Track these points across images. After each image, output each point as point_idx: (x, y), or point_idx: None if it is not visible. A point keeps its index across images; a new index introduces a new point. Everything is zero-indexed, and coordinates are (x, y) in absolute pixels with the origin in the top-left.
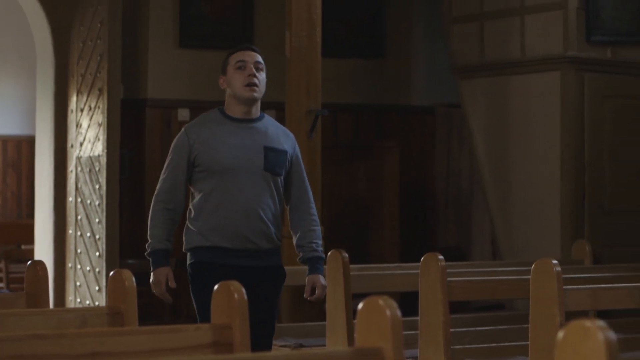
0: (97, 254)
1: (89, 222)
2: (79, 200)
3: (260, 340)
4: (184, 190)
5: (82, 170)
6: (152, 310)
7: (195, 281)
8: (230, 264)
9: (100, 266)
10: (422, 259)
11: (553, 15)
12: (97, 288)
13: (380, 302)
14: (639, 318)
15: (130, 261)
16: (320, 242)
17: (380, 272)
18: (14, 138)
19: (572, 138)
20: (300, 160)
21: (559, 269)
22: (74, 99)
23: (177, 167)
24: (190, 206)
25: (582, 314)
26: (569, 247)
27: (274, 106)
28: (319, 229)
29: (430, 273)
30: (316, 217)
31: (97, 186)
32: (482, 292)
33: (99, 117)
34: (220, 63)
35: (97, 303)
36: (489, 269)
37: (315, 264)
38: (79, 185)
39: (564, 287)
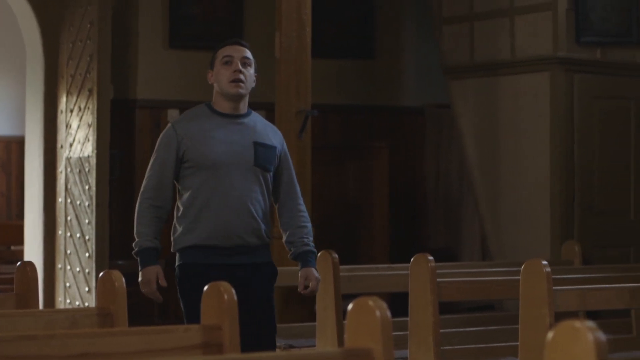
0: (87, 254)
1: (79, 223)
2: (69, 201)
3: (262, 339)
4: (171, 187)
5: (71, 171)
6: (141, 311)
7: (184, 283)
8: (220, 263)
9: (90, 267)
10: (412, 259)
11: (543, 16)
12: (86, 289)
13: (370, 302)
14: (628, 318)
15: (120, 262)
16: (311, 238)
17: (370, 273)
18: (4, 139)
19: (561, 139)
20: (289, 157)
21: (548, 269)
22: (63, 99)
23: (165, 163)
24: (178, 204)
25: (572, 315)
26: (558, 247)
27: (264, 106)
28: (310, 225)
29: (420, 274)
30: (306, 214)
31: (86, 187)
32: (472, 293)
33: (89, 117)
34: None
35: (86, 304)
36: (478, 270)
37: (307, 258)
38: (69, 186)
39: (554, 287)
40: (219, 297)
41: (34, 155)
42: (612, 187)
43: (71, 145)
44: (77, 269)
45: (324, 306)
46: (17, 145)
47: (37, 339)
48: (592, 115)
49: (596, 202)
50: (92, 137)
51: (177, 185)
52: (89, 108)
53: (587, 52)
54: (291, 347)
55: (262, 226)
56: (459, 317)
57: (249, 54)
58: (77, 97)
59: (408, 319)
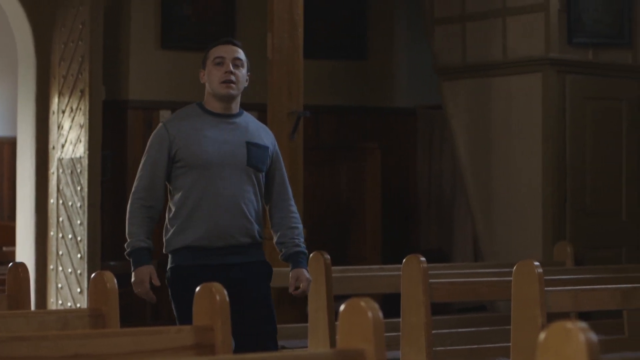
0: (79, 255)
1: (71, 224)
2: (61, 202)
3: (261, 340)
4: (163, 187)
5: (63, 171)
6: (134, 312)
7: (177, 284)
8: (213, 264)
9: (82, 268)
10: (404, 260)
11: (535, 17)
12: (78, 290)
13: (362, 303)
14: (620, 319)
15: (111, 263)
16: (302, 239)
17: (362, 274)
18: None
19: (553, 140)
20: (281, 157)
21: (540, 270)
22: (55, 100)
23: (157, 163)
24: (170, 204)
25: (564, 316)
26: (550, 248)
27: (256, 107)
28: (301, 226)
29: (412, 274)
30: (297, 215)
31: (78, 188)
32: (464, 294)
33: (81, 118)
34: None
35: (78, 305)
36: (470, 271)
37: (298, 259)
38: (61, 187)
39: (546, 288)
40: (211, 298)
41: (25, 156)
42: (604, 188)
43: (63, 146)
44: (69, 270)
45: (316, 307)
46: (9, 146)
47: (29, 340)
48: (584, 116)
49: (588, 203)
50: (84, 138)
51: (168, 185)
52: (80, 109)
53: (579, 53)
54: (283, 348)
55: (255, 226)
56: (451, 318)
57: (241, 54)
58: (69, 97)
59: (400, 320)
